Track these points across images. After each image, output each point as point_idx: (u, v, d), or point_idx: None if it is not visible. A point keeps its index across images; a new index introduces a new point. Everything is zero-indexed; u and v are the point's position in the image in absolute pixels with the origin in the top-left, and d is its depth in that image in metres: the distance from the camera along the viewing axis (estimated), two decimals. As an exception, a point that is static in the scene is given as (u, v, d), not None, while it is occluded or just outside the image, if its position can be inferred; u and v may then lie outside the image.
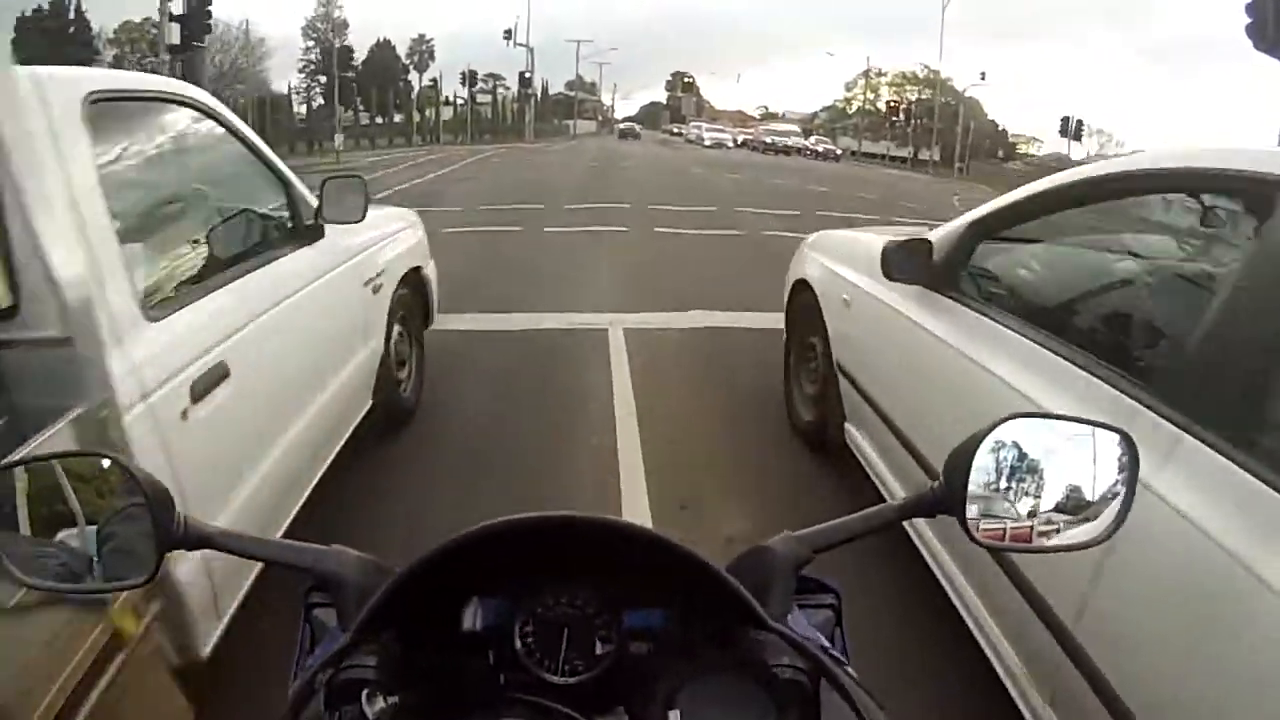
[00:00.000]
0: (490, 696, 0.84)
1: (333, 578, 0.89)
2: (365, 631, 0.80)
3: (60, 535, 0.88)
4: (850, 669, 0.89)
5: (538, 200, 15.63)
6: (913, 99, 60.99)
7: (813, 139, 57.14)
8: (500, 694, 0.85)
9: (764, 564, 0.90)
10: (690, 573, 0.81)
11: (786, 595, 0.90)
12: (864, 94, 66.22)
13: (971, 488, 0.92)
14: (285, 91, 51.65)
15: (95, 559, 0.88)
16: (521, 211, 13.81)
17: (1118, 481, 0.96)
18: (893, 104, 61.63)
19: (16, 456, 1.04)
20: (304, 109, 52.90)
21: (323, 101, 52.29)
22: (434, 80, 60.57)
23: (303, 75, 56.00)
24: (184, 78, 9.29)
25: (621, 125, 69.94)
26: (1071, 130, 47.59)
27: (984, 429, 0.93)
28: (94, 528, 0.88)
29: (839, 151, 54.23)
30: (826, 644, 0.96)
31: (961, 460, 0.92)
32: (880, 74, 65.93)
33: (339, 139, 29.33)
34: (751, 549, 0.93)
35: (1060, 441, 0.97)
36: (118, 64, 39.99)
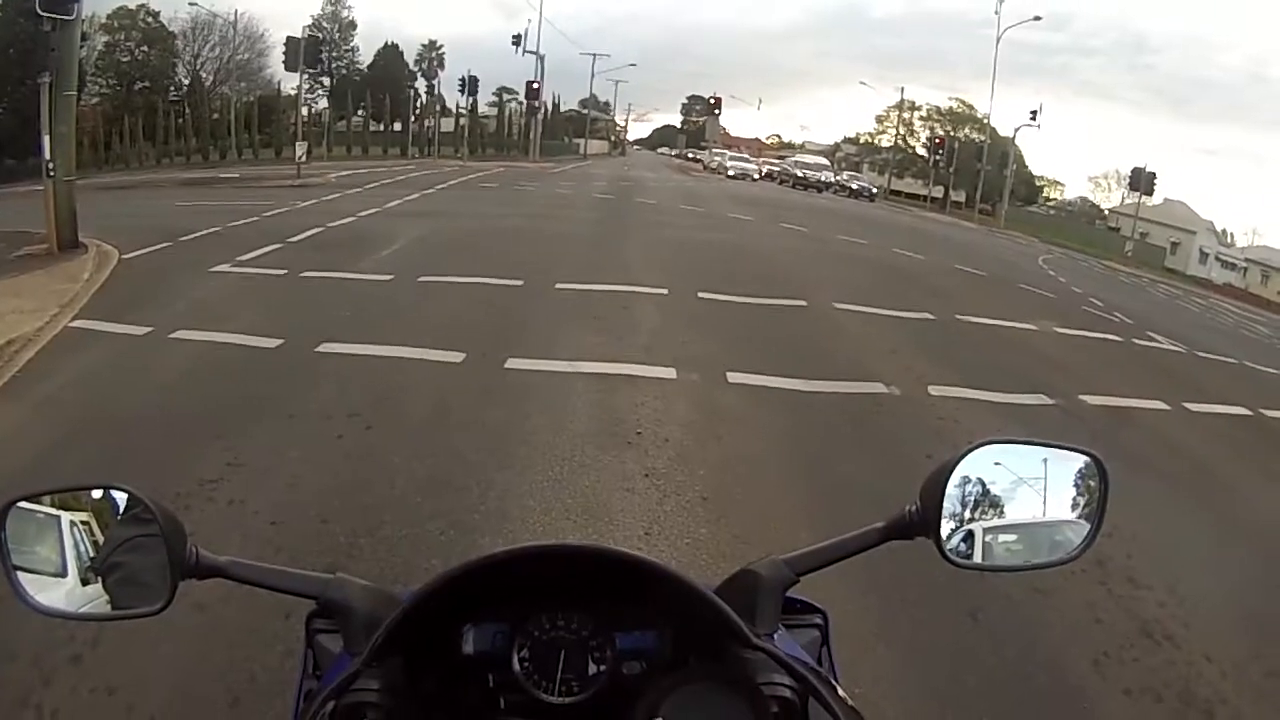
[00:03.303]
0: (489, 718, 0.90)
1: (339, 605, 0.94)
2: (375, 657, 0.82)
3: (72, 564, 0.94)
4: (840, 689, 0.89)
5: (516, 269, 11.31)
6: (954, 134, 58.74)
7: (846, 174, 54.59)
8: (498, 716, 0.91)
9: (750, 586, 0.95)
10: (679, 595, 0.84)
11: (773, 616, 0.95)
12: (898, 126, 63.54)
13: (948, 510, 0.98)
14: (292, 92, 49.86)
15: (111, 590, 0.93)
16: (483, 297, 9.84)
17: (1088, 502, 1.05)
18: (937, 140, 58.63)
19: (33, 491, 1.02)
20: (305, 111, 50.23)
21: (325, 105, 51.06)
22: (432, 86, 58.60)
23: (306, 77, 53.21)
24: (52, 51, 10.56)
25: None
26: (1144, 182, 45.44)
27: (958, 454, 0.99)
28: (109, 558, 0.94)
29: (874, 190, 51.72)
30: (813, 663, 0.98)
31: (936, 484, 0.98)
32: (915, 107, 63.70)
33: (300, 149, 25.76)
34: (738, 572, 0.98)
35: (1032, 464, 1.05)
36: (109, 50, 38.54)
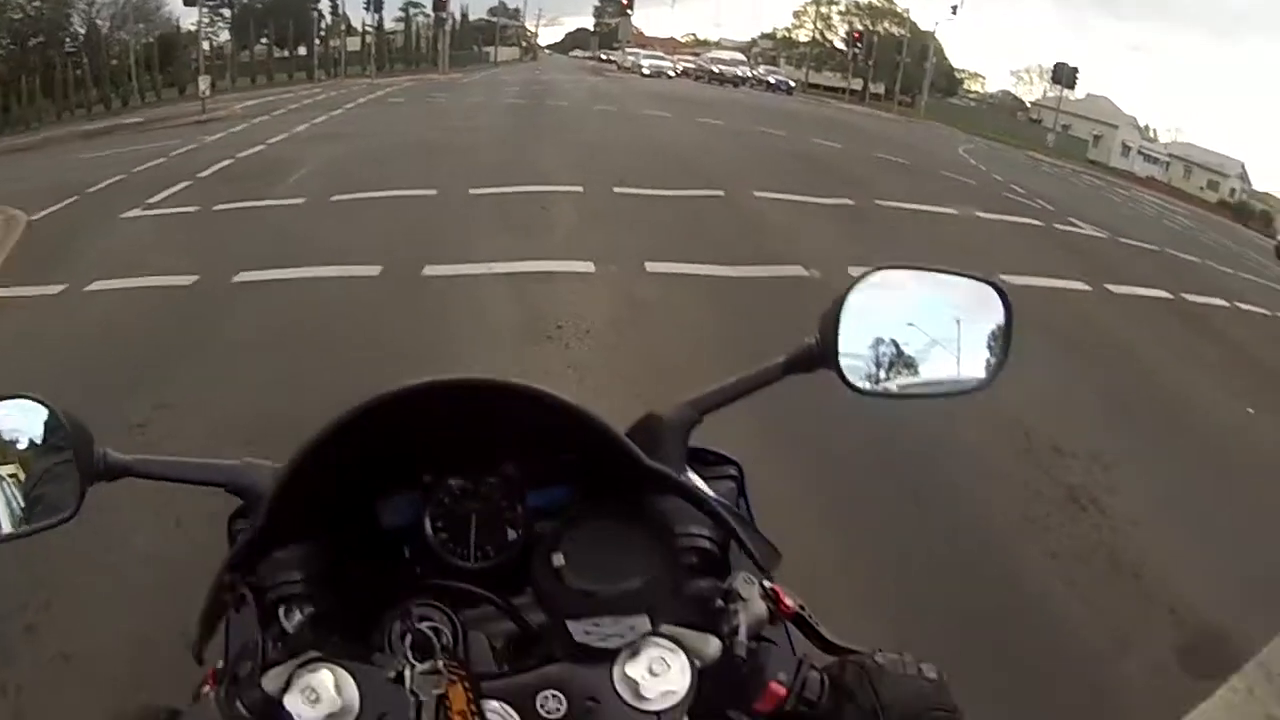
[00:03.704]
0: (406, 588, 0.85)
1: (249, 491, 0.91)
2: (275, 519, 0.79)
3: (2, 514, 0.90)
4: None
5: (429, 180, 11.15)
6: (873, 29, 58.21)
7: (763, 68, 54.36)
8: (415, 584, 0.86)
9: (654, 429, 0.93)
10: (582, 431, 0.80)
11: (679, 456, 0.94)
12: (815, 21, 62.60)
13: (847, 340, 0.95)
14: (192, 28, 47.14)
15: (21, 503, 0.91)
16: (399, 208, 9.74)
17: (992, 331, 1.01)
18: (855, 34, 58.41)
19: None
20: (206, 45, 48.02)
21: (228, 37, 47.67)
22: (336, 6, 55.54)
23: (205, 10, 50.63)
24: None
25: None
26: (1066, 77, 46.46)
27: (853, 281, 0.96)
28: (16, 471, 0.91)
29: (792, 84, 51.45)
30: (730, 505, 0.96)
31: (833, 314, 0.95)
32: (833, 1, 62.54)
33: (204, 84, 24.61)
34: (642, 418, 0.95)
35: (932, 292, 1.02)
36: (1, 10, 35.42)
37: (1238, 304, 10.78)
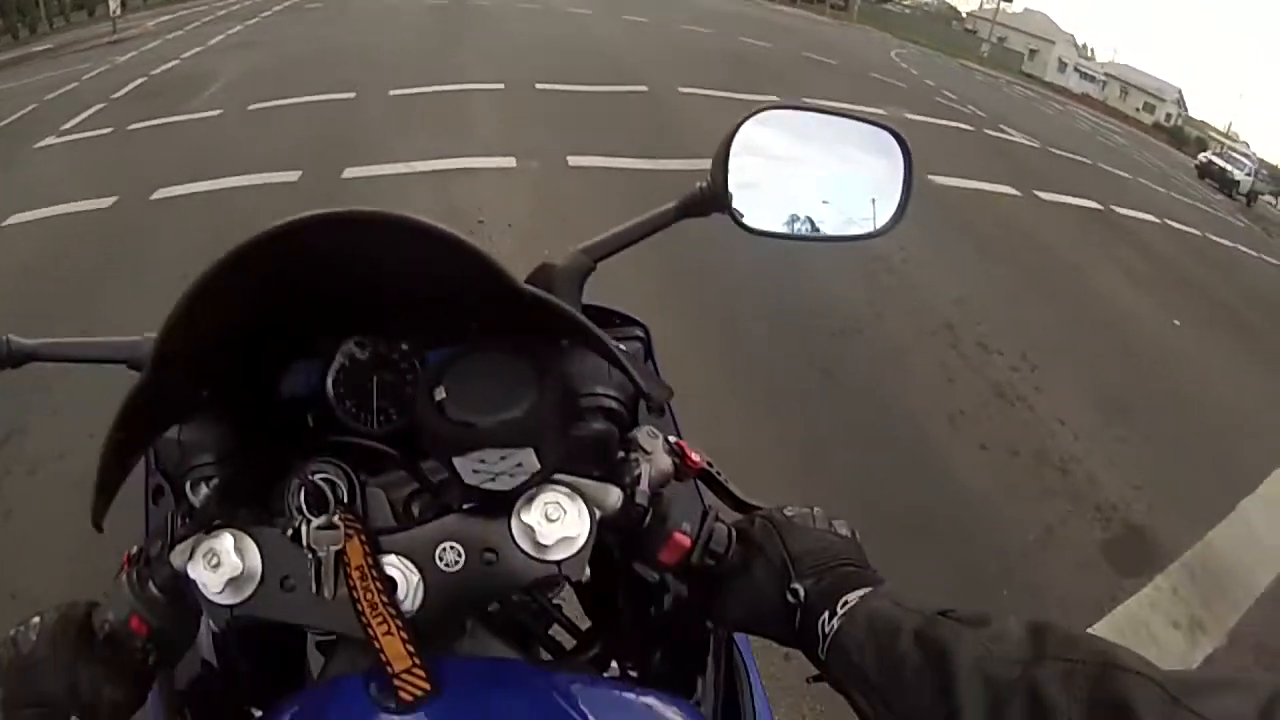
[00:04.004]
0: (302, 450, 0.83)
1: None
2: (161, 367, 0.72)
3: None
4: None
5: (347, 85, 10.80)
6: None
7: None
8: (310, 446, 0.84)
9: (548, 277, 0.92)
10: (467, 271, 0.73)
11: (575, 304, 0.91)
12: None
13: (738, 181, 0.93)
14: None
15: None
16: (318, 114, 9.51)
17: (890, 179, 0.97)
18: None
19: None
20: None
21: None
22: None
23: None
24: None
25: None
26: None
27: (739, 120, 0.92)
28: None
29: None
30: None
31: (722, 155, 0.93)
32: None
33: (114, 2, 23.16)
34: (536, 268, 0.93)
35: (827, 135, 0.98)
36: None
37: (1168, 221, 10.99)
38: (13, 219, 6.77)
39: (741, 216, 0.94)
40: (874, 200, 0.98)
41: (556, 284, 0.91)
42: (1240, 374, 6.09)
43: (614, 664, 0.95)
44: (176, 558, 0.77)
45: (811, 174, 0.99)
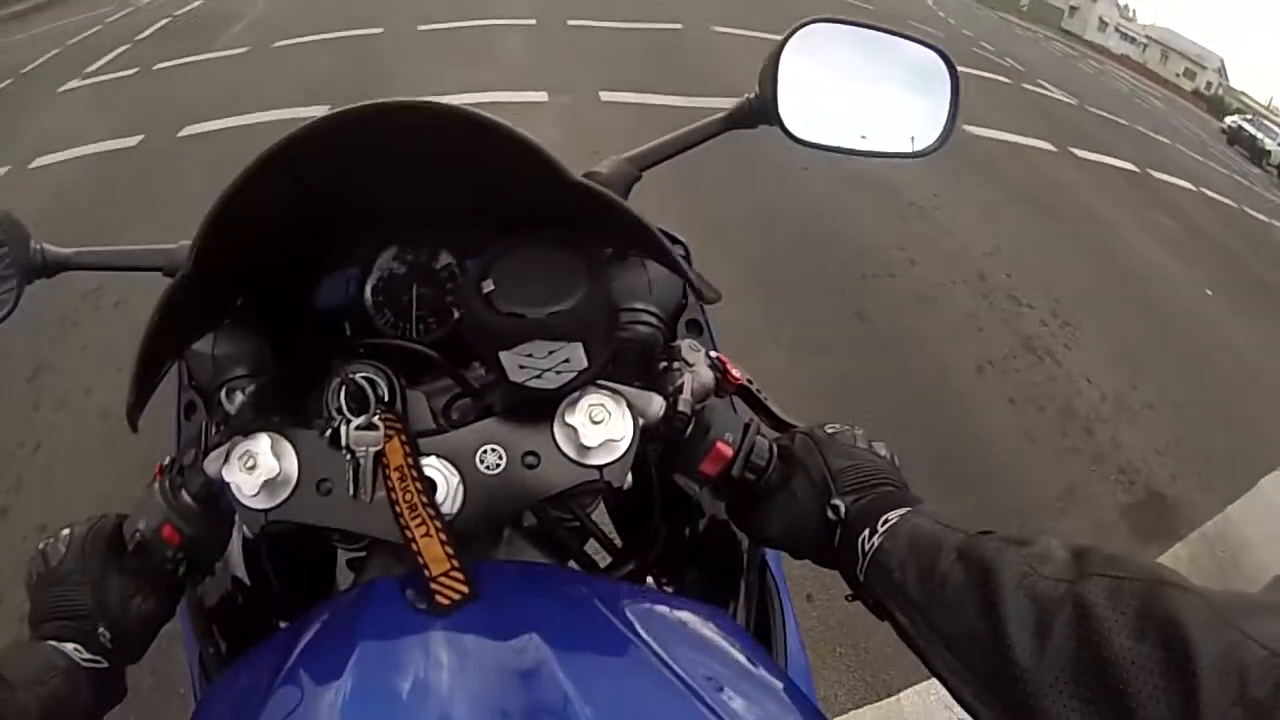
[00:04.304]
0: (341, 354, 0.80)
1: None
2: (201, 264, 0.70)
3: None
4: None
5: (374, 20, 10.75)
6: None
7: None
8: (349, 349, 0.81)
9: (594, 182, 0.79)
10: (526, 166, 0.70)
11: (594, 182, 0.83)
12: None
13: (787, 94, 0.91)
14: None
15: None
16: (345, 49, 9.46)
17: (936, 98, 0.96)
18: None
19: None
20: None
21: None
22: None
23: None
24: None
25: None
26: None
27: (787, 32, 0.91)
28: None
29: None
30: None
31: (771, 67, 0.91)
32: None
33: None
34: (582, 174, 0.80)
35: (873, 51, 0.96)
36: None
37: (1204, 190, 10.77)
38: (39, 160, 6.81)
39: (790, 128, 0.92)
40: (920, 120, 0.97)
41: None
42: (1271, 350, 5.95)
43: (648, 580, 0.94)
44: (211, 464, 0.76)
45: (858, 89, 0.97)
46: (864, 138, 0.96)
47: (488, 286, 0.73)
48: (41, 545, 0.78)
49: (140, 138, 6.91)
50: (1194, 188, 10.58)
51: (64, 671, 0.70)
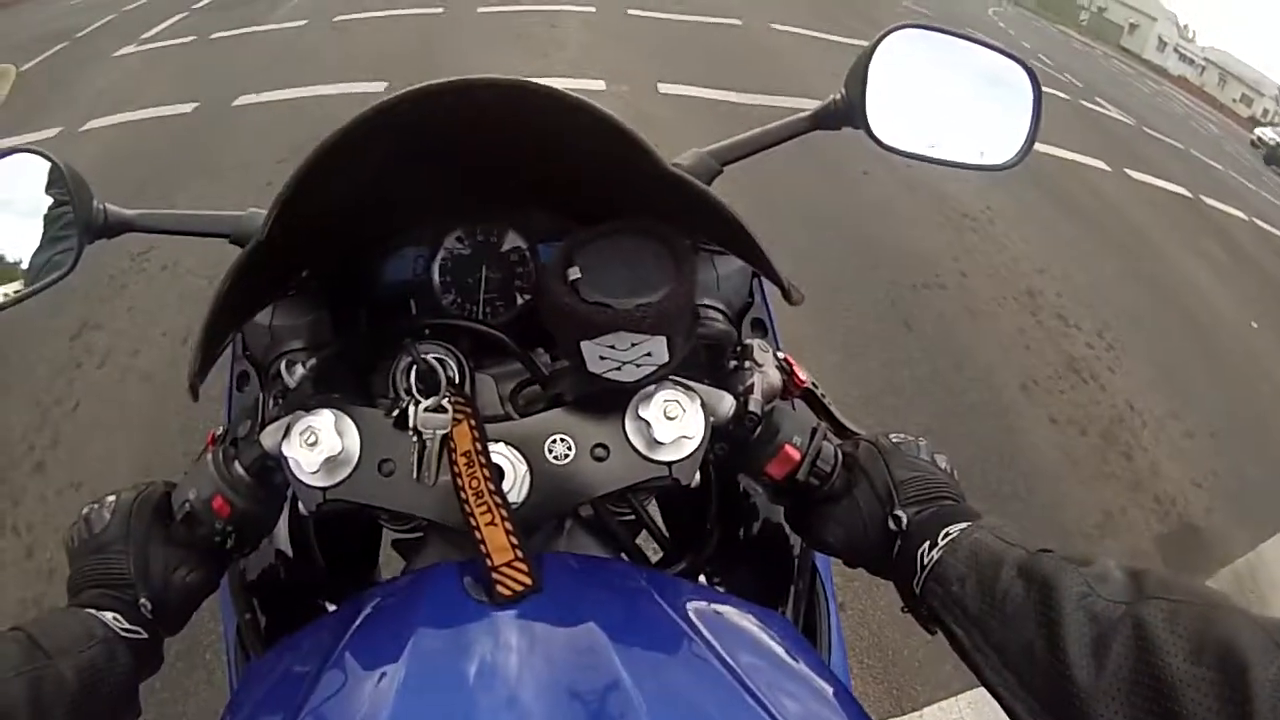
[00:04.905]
0: (409, 332, 0.81)
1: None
2: (274, 234, 0.69)
3: None
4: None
5: None
6: None
7: None
8: (417, 327, 0.81)
9: None
10: (617, 151, 0.69)
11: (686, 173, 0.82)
12: None
13: (874, 98, 0.90)
14: None
15: (22, 262, 0.87)
16: (405, 27, 9.49)
17: (1019, 111, 0.95)
18: None
19: None
20: None
21: None
22: None
23: None
24: None
25: None
26: None
27: (878, 36, 0.90)
28: (15, 227, 0.87)
29: None
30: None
31: (859, 70, 0.90)
32: None
33: None
34: None
35: (960, 60, 0.96)
36: None
37: (1256, 220, 10.59)
38: (93, 123, 6.86)
39: (875, 132, 0.91)
40: (999, 132, 0.96)
41: None
42: (1313, 386, 5.87)
43: (700, 578, 0.94)
44: (268, 437, 0.74)
45: (942, 97, 0.96)
46: (945, 146, 0.95)
47: (574, 273, 0.72)
48: (85, 510, 0.76)
49: (195, 105, 6.97)
50: (1245, 217, 10.39)
51: (103, 641, 0.68)
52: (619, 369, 0.72)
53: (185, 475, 0.78)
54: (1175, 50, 53.60)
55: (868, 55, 0.90)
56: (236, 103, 6.91)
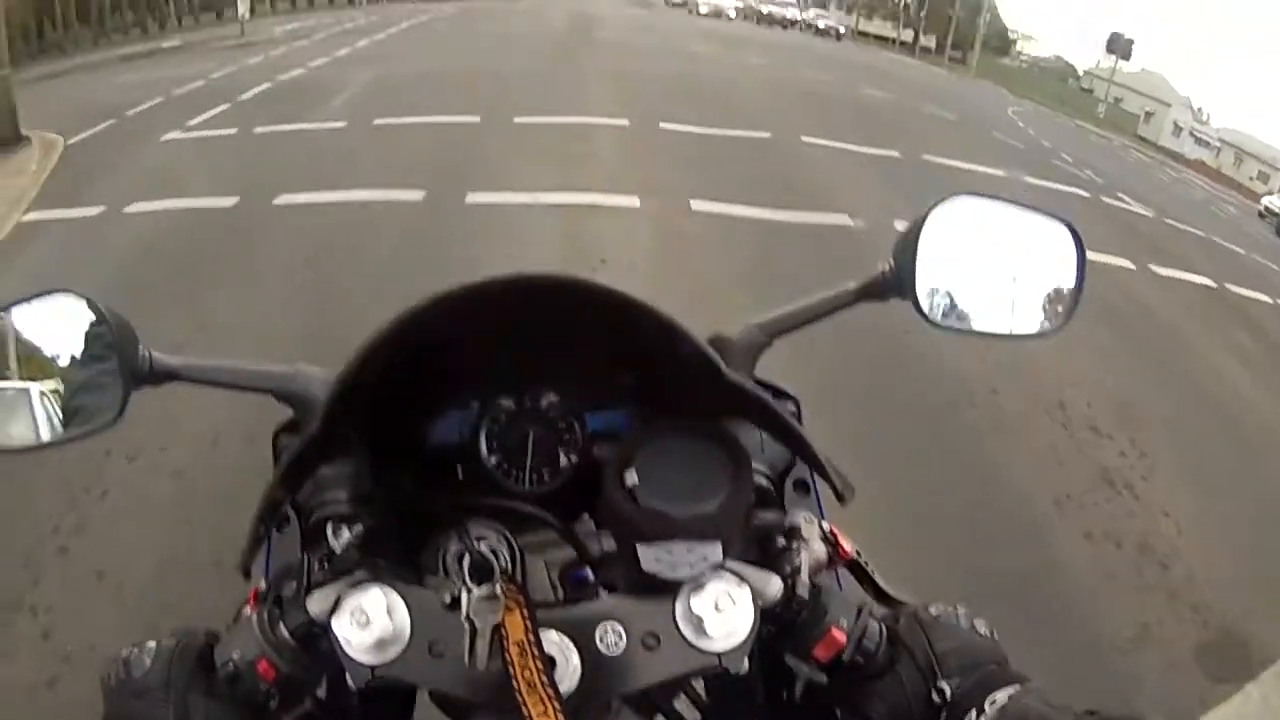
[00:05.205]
0: (460, 509, 0.81)
1: (300, 398, 0.88)
2: (331, 425, 0.73)
3: (31, 387, 0.87)
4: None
5: (472, 107, 11.05)
6: None
7: (812, 12, 52.40)
8: (470, 505, 0.82)
9: (723, 350, 0.81)
10: (656, 343, 0.73)
11: (746, 379, 0.86)
12: None
13: (922, 270, 0.91)
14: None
15: (60, 409, 0.87)
16: (443, 134, 9.69)
17: (1063, 272, 0.97)
18: None
19: None
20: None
21: None
22: None
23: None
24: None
25: None
26: (1121, 47, 45.82)
27: (928, 209, 0.92)
28: (56, 373, 0.87)
29: (842, 29, 50.04)
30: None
31: (908, 242, 0.91)
32: None
33: (243, 6, 24.48)
34: (708, 339, 0.83)
35: (1006, 227, 0.97)
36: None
37: (1280, 302, 10.60)
38: (135, 206, 7.01)
39: (924, 308, 0.92)
40: (1044, 295, 0.98)
41: (731, 358, 0.86)
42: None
43: None
44: (315, 605, 0.74)
45: (988, 266, 0.97)
46: (990, 317, 0.97)
47: (631, 478, 0.73)
48: (124, 653, 0.75)
49: (235, 199, 7.11)
50: (1272, 300, 10.36)
51: None
52: (674, 569, 0.73)
53: (228, 631, 0.78)
54: (1191, 134, 53.88)
55: (917, 227, 0.91)
56: (276, 201, 7.04)
